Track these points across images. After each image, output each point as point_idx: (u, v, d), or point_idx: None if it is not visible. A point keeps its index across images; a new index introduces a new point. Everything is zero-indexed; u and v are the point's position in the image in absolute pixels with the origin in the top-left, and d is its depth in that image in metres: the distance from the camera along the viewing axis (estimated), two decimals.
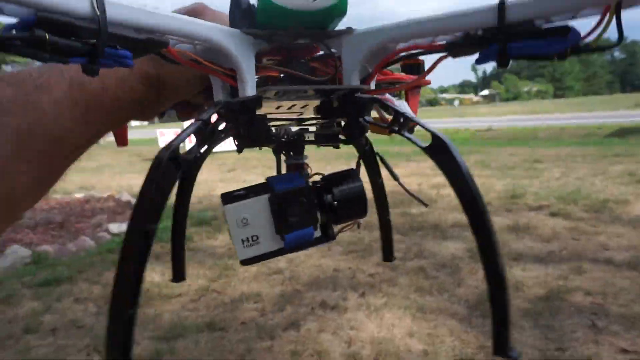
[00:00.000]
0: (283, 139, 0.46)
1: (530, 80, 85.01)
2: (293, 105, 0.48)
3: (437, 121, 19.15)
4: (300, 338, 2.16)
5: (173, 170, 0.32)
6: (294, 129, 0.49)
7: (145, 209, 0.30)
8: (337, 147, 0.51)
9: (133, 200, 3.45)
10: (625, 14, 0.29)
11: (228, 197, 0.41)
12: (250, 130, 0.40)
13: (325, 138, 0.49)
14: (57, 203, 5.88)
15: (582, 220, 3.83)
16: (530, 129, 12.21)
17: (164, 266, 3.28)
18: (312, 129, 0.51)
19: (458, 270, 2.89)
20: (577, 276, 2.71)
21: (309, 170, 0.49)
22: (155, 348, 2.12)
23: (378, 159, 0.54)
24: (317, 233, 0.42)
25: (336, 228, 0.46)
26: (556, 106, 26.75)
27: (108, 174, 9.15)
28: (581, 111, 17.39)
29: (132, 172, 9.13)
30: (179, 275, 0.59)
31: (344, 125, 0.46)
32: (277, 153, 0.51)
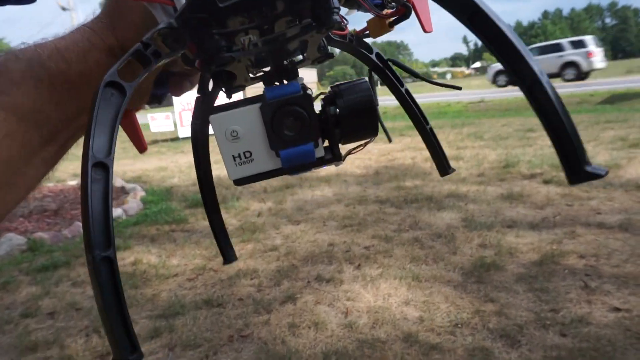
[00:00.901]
0: (252, 49, 0.38)
1: None
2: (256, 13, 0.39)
3: (429, 95, 19.04)
4: (297, 311, 2.18)
5: (116, 95, 0.30)
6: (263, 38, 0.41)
7: (94, 137, 0.29)
8: (327, 55, 0.43)
9: (127, 186, 3.43)
10: None
11: (215, 109, 0.37)
12: (205, 44, 0.35)
13: (302, 31, 0.38)
14: (50, 191, 5.84)
15: (575, 186, 3.85)
16: (522, 99, 12.14)
17: (159, 248, 3.29)
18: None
19: (453, 239, 2.92)
20: (570, 240, 2.74)
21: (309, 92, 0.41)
22: (154, 326, 2.13)
23: (391, 64, 0.49)
24: (321, 152, 0.38)
25: (343, 150, 0.41)
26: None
27: None
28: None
29: (125, 158, 9.07)
30: (228, 256, 0.56)
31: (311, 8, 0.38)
32: (268, 84, 0.43)
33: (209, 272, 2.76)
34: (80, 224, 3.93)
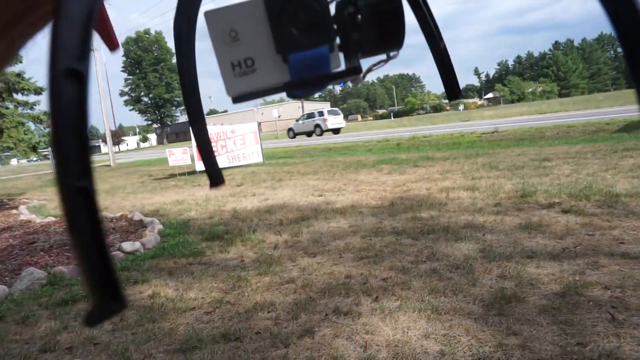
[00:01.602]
0: None
1: (534, 81, 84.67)
2: None
3: (442, 126, 19.11)
4: (315, 345, 2.15)
5: (73, 86, 0.22)
6: None
7: (62, 34, 0.21)
8: None
9: (145, 219, 3.49)
10: None
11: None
12: None
13: None
14: None
15: (595, 215, 3.78)
16: (536, 128, 12.13)
17: (177, 281, 3.30)
18: None
19: (472, 271, 2.87)
20: (593, 271, 2.68)
21: None
22: None
23: None
24: (337, 61, 0.32)
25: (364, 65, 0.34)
26: (562, 105, 26.59)
27: (120, 195, 9.24)
28: (588, 108, 17.25)
29: (143, 192, 9.22)
30: (216, 180, 0.47)
31: None
32: None
33: (226, 305, 2.75)
34: None
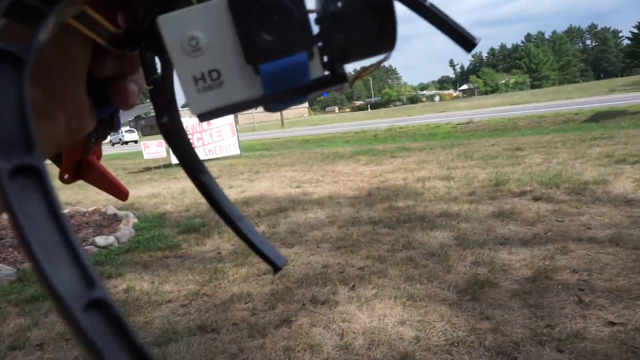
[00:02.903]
0: None
1: (507, 73, 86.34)
2: None
3: (419, 117, 19.32)
4: (292, 334, 2.16)
5: (6, 71, 0.19)
6: None
7: None
8: None
9: (120, 213, 3.41)
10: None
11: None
12: None
13: None
14: None
15: (564, 202, 3.90)
16: (509, 119, 12.39)
17: (152, 274, 3.25)
18: None
19: (447, 258, 2.92)
20: (562, 256, 2.76)
21: None
22: None
23: None
24: (317, 69, 0.27)
25: (349, 70, 0.29)
26: (533, 96, 27.21)
27: (93, 189, 9.00)
28: (558, 99, 17.72)
29: None
30: (277, 263, 0.40)
31: None
32: None
33: (202, 298, 2.73)
34: None
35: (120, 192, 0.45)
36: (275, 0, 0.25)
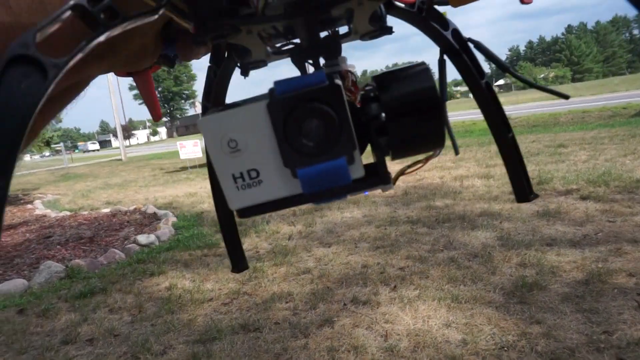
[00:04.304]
0: (268, 13, 0.27)
1: (546, 67, 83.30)
2: None
3: (454, 114, 18.92)
4: (335, 334, 2.14)
5: (33, 79, 0.19)
6: None
7: None
8: (383, 29, 0.32)
9: (159, 212, 3.49)
10: None
11: (211, 111, 0.27)
12: (198, 2, 0.26)
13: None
14: (85, 219, 6.01)
15: (615, 201, 3.70)
16: (550, 114, 11.94)
17: (193, 272, 3.31)
18: None
19: (490, 259, 2.83)
20: (616, 258, 2.62)
21: (353, 81, 0.31)
22: (192, 351, 2.12)
23: (472, 47, 0.35)
24: (359, 171, 0.26)
25: (393, 169, 0.28)
26: (576, 90, 26.13)
27: (133, 188, 9.31)
28: (603, 93, 16.92)
29: (155, 185, 9.28)
30: (238, 264, 0.49)
31: None
32: (298, 61, 0.32)
33: (243, 296, 2.75)
34: (114, 250, 4.00)
35: (155, 111, 0.48)
36: (316, 106, 0.24)
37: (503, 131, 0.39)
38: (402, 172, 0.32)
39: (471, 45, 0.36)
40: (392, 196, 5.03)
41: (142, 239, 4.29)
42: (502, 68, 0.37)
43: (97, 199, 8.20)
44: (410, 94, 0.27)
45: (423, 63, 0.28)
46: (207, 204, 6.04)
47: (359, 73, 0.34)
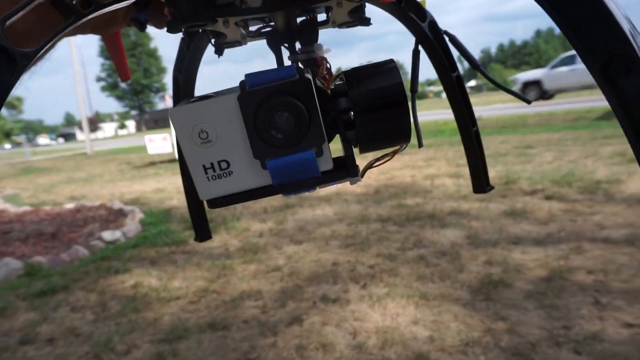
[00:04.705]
0: (244, 6, 0.27)
1: (516, 69, 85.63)
2: None
3: (426, 113, 19.21)
4: (304, 332, 2.13)
5: (0, 68, 0.19)
6: None
7: None
8: (361, 20, 0.33)
9: (125, 208, 3.41)
10: None
11: (182, 102, 0.28)
12: None
13: None
14: (47, 214, 5.78)
15: (577, 201, 3.84)
16: (519, 116, 12.27)
17: (160, 270, 3.24)
18: None
19: (458, 257, 2.88)
20: (577, 256, 2.71)
21: (327, 68, 0.31)
22: (157, 350, 2.07)
23: (447, 40, 0.36)
24: (327, 163, 0.27)
25: (361, 163, 0.29)
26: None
27: (98, 183, 9.04)
28: (569, 96, 17.52)
29: (122, 180, 9.04)
30: (203, 234, 0.50)
31: None
32: (273, 45, 0.33)
33: (211, 294, 2.71)
34: (78, 247, 3.87)
35: (124, 71, 0.47)
36: (285, 99, 0.25)
37: (468, 124, 0.42)
38: (370, 166, 0.33)
39: (446, 39, 0.37)
40: (363, 194, 5.06)
41: (108, 235, 4.16)
42: (473, 65, 0.39)
43: (61, 193, 7.92)
44: (378, 90, 0.27)
45: (392, 60, 0.29)
46: (176, 200, 5.92)
47: (333, 70, 0.34)
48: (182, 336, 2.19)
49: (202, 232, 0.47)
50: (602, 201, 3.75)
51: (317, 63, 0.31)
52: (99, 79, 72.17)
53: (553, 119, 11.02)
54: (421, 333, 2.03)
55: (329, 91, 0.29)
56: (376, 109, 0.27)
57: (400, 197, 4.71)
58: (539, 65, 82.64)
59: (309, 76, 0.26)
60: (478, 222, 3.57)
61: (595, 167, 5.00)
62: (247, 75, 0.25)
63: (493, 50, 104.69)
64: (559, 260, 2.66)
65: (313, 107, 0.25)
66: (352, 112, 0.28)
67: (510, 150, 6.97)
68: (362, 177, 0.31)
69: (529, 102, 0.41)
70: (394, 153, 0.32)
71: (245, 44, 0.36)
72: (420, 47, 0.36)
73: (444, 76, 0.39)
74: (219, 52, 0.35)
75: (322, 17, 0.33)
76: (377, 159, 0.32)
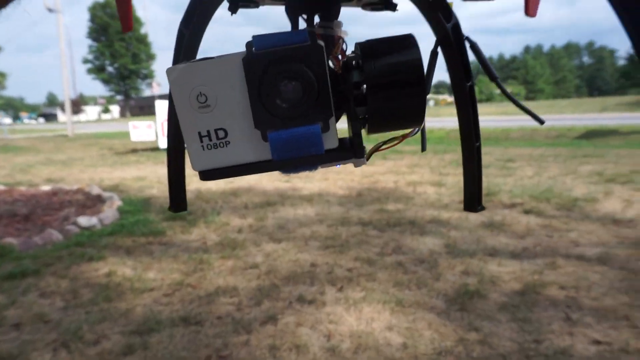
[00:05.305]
0: None
1: (503, 83, 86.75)
2: None
3: None
4: (278, 332, 2.12)
5: None
6: None
7: None
8: (387, 4, 0.32)
9: (104, 194, 3.34)
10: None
11: (182, 62, 0.25)
12: None
13: None
14: (21, 195, 5.63)
15: (554, 217, 3.92)
16: (502, 129, 12.47)
17: (135, 260, 3.19)
18: None
19: (436, 265, 2.91)
20: (551, 271, 2.76)
21: (343, 50, 0.29)
22: (127, 342, 2.03)
23: (468, 46, 0.34)
24: (332, 141, 0.25)
25: (368, 145, 0.27)
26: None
27: (78, 167, 8.85)
28: (551, 113, 17.89)
29: (103, 166, 8.87)
30: (178, 204, 0.48)
31: None
32: (292, 13, 0.31)
33: (186, 288, 2.67)
34: (52, 231, 3.78)
35: (127, 21, 0.43)
36: (295, 66, 0.22)
37: (472, 139, 0.40)
38: (376, 148, 0.31)
39: (467, 45, 0.35)
40: (345, 196, 5.07)
41: (84, 221, 4.07)
42: (491, 76, 0.37)
43: (38, 175, 7.73)
44: (396, 65, 0.25)
45: (411, 35, 0.27)
46: (156, 190, 5.84)
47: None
48: (153, 329, 2.16)
49: (178, 202, 0.45)
50: (578, 219, 3.84)
51: (333, 41, 0.29)
52: (85, 61, 70.62)
53: (536, 134, 11.23)
54: (395, 339, 2.03)
55: (339, 71, 0.27)
56: (392, 85, 0.25)
57: (382, 202, 4.73)
58: (525, 80, 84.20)
59: (322, 43, 0.23)
60: (457, 232, 3.61)
61: (574, 185, 5.11)
62: (254, 37, 0.23)
63: None
64: (534, 275, 2.70)
65: (323, 78, 0.23)
66: (364, 87, 0.25)
67: (493, 162, 7.07)
68: (367, 159, 0.29)
69: (542, 122, 0.40)
70: (403, 137, 0.30)
71: (262, 5, 0.33)
72: (439, 49, 0.34)
73: (457, 83, 0.37)
74: (233, 9, 0.32)
75: None
76: (384, 142, 0.31)
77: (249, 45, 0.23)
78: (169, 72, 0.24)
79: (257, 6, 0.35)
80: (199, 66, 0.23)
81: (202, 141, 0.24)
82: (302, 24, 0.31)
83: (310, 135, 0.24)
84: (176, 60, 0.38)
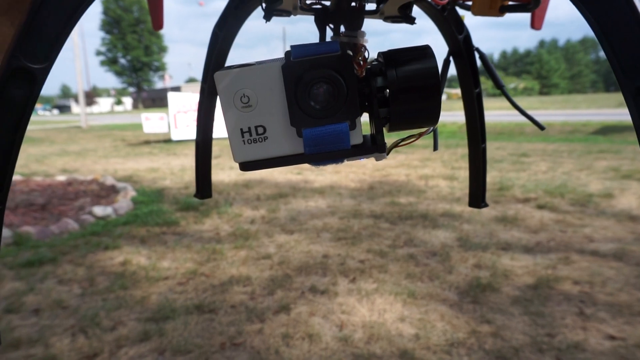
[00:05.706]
0: None
1: (517, 77, 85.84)
2: None
3: None
4: (291, 321, 2.14)
5: (20, 87, 0.22)
6: None
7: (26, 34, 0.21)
8: (406, 18, 0.34)
9: (117, 185, 3.38)
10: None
11: (226, 67, 0.29)
12: None
13: None
14: (37, 185, 5.73)
15: (568, 213, 3.88)
16: (516, 124, 12.33)
17: (150, 249, 3.23)
18: None
19: (448, 258, 2.90)
20: (565, 266, 2.74)
21: (364, 57, 0.32)
22: (143, 329, 2.07)
23: (477, 57, 0.39)
24: (357, 137, 0.29)
25: (389, 140, 0.32)
26: (542, 103, 27.10)
27: (92, 158, 8.96)
28: (566, 108, 17.63)
29: (116, 157, 8.97)
30: (204, 192, 0.54)
31: None
32: (320, 23, 0.34)
33: (200, 277, 2.70)
34: (68, 220, 3.85)
35: (157, 19, 0.45)
36: (327, 72, 0.26)
37: (478, 141, 0.44)
38: (396, 144, 0.35)
39: (476, 55, 0.40)
40: (357, 189, 5.07)
41: (99, 210, 4.14)
42: (497, 84, 0.41)
43: (53, 165, 7.84)
44: (416, 72, 0.29)
45: (428, 46, 0.30)
46: (169, 181, 5.90)
47: None
48: (168, 316, 2.19)
49: (204, 190, 0.52)
50: (592, 214, 3.79)
51: (356, 49, 0.32)
52: (98, 53, 71.20)
53: (550, 129, 11.09)
54: (407, 330, 2.04)
55: (361, 75, 0.30)
56: (412, 90, 0.29)
57: (394, 195, 4.73)
58: (540, 75, 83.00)
59: (350, 52, 0.28)
60: (469, 226, 3.59)
61: (589, 181, 5.05)
62: (292, 47, 0.26)
63: (496, 56, 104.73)
64: (547, 269, 2.69)
65: (352, 82, 0.27)
66: (386, 91, 0.29)
67: (506, 157, 7.01)
68: (388, 154, 0.33)
69: (542, 128, 0.44)
70: (420, 135, 0.34)
71: (295, 15, 0.37)
72: (451, 58, 0.39)
73: (466, 90, 0.42)
74: (267, 17, 0.35)
75: (371, 6, 0.35)
76: (403, 139, 0.34)
77: (287, 54, 0.27)
78: (217, 77, 0.27)
79: (289, 15, 0.39)
80: (244, 72, 0.27)
81: (243, 136, 0.29)
82: (328, 32, 0.34)
83: (338, 132, 0.28)
84: (209, 57, 0.41)
